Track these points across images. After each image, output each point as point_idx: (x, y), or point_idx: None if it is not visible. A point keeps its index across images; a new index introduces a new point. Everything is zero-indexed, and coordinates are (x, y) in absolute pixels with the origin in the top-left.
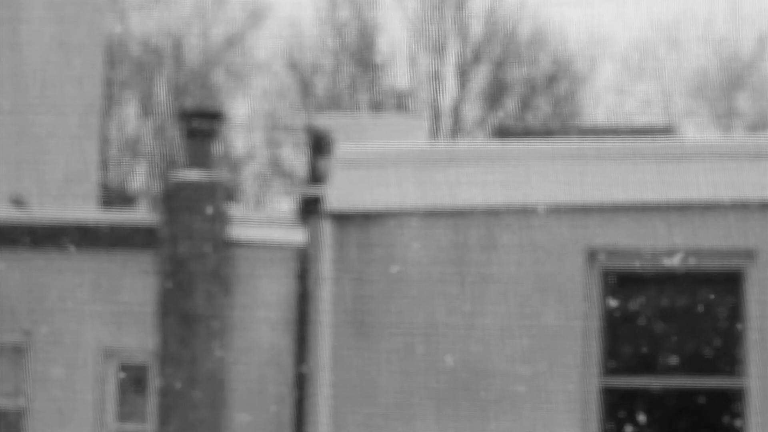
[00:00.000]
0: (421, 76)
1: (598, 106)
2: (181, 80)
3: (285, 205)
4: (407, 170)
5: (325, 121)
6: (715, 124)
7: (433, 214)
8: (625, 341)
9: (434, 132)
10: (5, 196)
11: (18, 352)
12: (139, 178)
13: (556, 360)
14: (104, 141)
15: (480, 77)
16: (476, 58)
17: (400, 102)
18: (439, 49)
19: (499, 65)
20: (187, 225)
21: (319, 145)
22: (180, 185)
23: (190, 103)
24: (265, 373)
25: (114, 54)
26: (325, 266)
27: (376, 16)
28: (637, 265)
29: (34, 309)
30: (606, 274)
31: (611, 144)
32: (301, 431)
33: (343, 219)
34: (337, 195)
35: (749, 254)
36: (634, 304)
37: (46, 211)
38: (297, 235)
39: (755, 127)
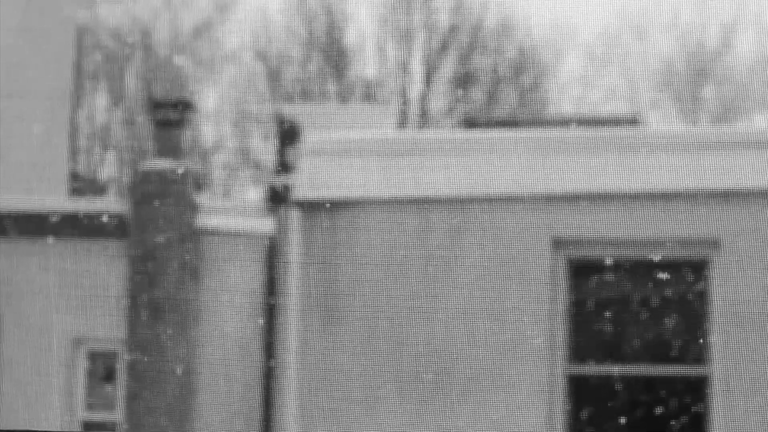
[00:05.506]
0: (389, 66)
1: (564, 96)
2: (149, 70)
3: (253, 193)
4: (374, 159)
5: (293, 110)
6: (680, 114)
7: (399, 202)
8: (590, 329)
9: (402, 121)
10: None
11: None
12: (109, 167)
13: (521, 346)
14: (74, 129)
15: (447, 67)
16: (443, 48)
17: (368, 92)
18: (406, 39)
19: (466, 55)
20: (155, 214)
21: (287, 134)
22: (149, 174)
23: (158, 93)
24: (232, 359)
25: (84, 43)
26: (293, 253)
27: (345, 5)
28: (602, 253)
29: (2, 293)
30: (571, 263)
31: (576, 134)
32: (268, 416)
33: (310, 207)
34: (305, 183)
35: (713, 243)
36: (599, 292)
37: (14, 197)
38: (265, 224)
39: (720, 117)
